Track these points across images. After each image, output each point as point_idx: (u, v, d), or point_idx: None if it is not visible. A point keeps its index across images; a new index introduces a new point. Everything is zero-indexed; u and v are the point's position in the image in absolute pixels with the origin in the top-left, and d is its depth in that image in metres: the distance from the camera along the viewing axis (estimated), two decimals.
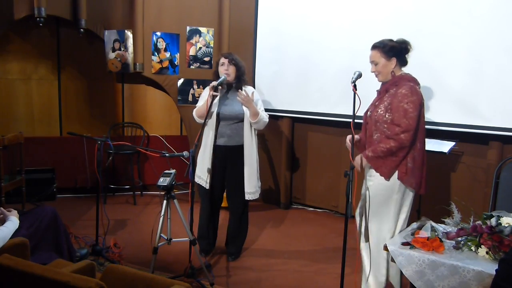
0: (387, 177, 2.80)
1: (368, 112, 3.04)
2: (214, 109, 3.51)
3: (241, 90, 3.52)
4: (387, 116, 2.83)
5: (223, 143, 3.55)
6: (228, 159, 3.58)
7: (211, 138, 3.54)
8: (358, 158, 2.91)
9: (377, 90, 3.09)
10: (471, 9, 3.80)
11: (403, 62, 2.95)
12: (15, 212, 2.71)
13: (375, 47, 2.97)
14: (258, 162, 3.69)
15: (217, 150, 3.56)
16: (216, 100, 3.49)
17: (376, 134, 2.89)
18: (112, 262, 3.50)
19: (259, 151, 3.73)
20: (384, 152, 2.78)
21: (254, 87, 3.77)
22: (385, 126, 2.83)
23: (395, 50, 2.91)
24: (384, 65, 2.92)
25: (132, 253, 3.77)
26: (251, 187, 3.60)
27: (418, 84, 2.94)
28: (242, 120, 3.54)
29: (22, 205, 4.48)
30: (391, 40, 2.96)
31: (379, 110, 2.89)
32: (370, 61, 3.00)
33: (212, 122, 3.53)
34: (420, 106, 2.81)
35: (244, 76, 3.62)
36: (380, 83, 3.05)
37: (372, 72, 3.00)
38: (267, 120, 3.65)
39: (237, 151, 3.56)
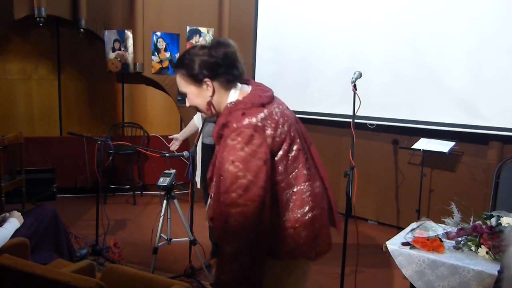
0: None
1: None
2: None
3: None
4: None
5: (209, 142, 3.55)
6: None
7: (200, 138, 3.58)
8: None
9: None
10: (471, 10, 3.80)
11: (228, 81, 1.68)
12: (18, 214, 2.72)
13: (175, 67, 1.75)
14: None
15: (204, 148, 3.58)
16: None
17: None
18: (112, 262, 3.49)
19: None
20: None
21: None
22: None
23: (204, 66, 1.65)
24: (196, 95, 1.70)
25: (132, 253, 3.77)
26: None
27: (265, 103, 1.66)
28: None
29: (22, 205, 4.48)
30: (194, 49, 1.70)
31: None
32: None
33: (198, 120, 3.59)
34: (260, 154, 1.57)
35: None
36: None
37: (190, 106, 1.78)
38: None
39: None
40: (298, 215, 1.66)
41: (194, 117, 3.67)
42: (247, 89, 1.73)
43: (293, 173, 1.67)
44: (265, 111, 1.63)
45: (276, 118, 1.65)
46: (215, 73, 1.66)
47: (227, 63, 1.66)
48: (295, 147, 1.68)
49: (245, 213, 1.53)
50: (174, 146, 3.76)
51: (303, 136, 1.80)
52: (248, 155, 1.55)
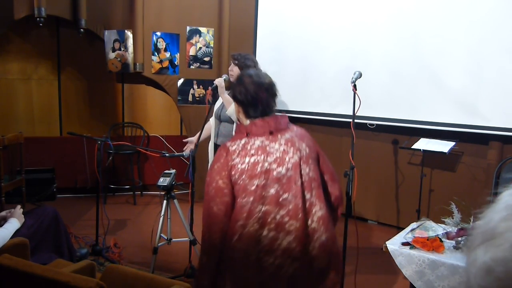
0: None
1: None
2: (218, 110, 3.54)
3: None
4: None
5: (220, 142, 3.55)
6: None
7: (211, 138, 3.56)
8: None
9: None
10: (471, 10, 3.80)
11: (246, 113, 1.91)
12: (19, 212, 2.72)
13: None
14: None
15: (217, 149, 3.57)
16: (219, 100, 3.53)
17: None
18: (112, 262, 3.49)
19: None
20: None
21: None
22: None
23: (238, 92, 1.92)
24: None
25: (132, 253, 3.77)
26: None
27: (250, 134, 1.86)
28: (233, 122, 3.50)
29: (22, 205, 4.46)
30: (246, 76, 1.96)
31: None
32: None
33: (213, 122, 3.56)
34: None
35: None
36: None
37: None
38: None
39: None
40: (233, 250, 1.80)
41: (210, 119, 3.60)
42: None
43: (246, 206, 1.78)
44: (244, 140, 1.84)
45: (248, 149, 1.81)
46: (240, 102, 1.91)
47: (252, 103, 1.88)
48: (255, 182, 1.78)
49: (206, 222, 1.83)
50: (188, 149, 3.51)
51: (280, 181, 1.80)
52: (214, 170, 1.83)
